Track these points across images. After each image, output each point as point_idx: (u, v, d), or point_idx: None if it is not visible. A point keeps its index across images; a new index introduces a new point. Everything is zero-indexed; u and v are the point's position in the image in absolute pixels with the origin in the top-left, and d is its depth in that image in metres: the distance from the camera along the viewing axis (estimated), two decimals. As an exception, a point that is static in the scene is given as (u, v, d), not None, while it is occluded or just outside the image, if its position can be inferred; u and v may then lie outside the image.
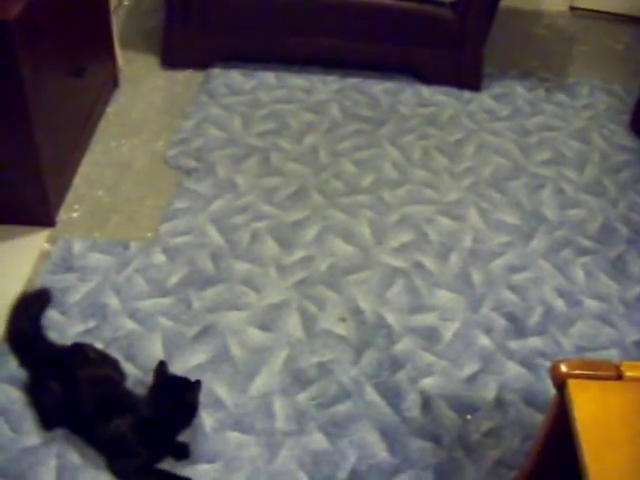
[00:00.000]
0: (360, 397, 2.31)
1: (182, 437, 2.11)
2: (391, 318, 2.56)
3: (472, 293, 2.68)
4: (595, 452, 1.50)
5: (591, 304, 2.69)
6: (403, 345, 2.48)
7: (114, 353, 2.35)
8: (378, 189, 3.07)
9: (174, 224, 2.81)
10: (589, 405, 1.59)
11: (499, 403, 2.34)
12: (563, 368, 1.64)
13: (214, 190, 2.97)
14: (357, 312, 2.57)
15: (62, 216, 2.81)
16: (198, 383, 2.08)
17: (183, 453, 2.13)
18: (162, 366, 2.10)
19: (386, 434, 2.23)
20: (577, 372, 1.64)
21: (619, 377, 1.64)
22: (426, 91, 3.66)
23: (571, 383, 1.62)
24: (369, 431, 2.23)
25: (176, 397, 2.04)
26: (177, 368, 2.32)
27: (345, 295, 2.62)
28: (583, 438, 1.52)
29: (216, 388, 2.29)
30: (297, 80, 3.63)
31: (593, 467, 1.47)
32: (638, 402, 1.61)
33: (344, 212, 2.94)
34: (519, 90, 3.74)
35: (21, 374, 2.23)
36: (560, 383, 1.64)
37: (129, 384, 2.24)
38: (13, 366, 2.27)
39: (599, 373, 1.65)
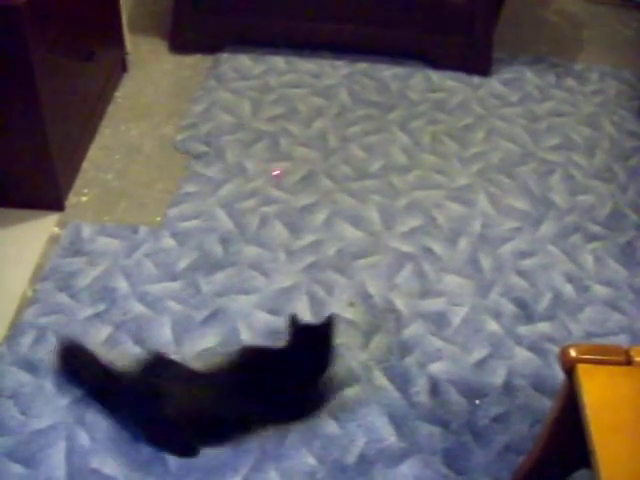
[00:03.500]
0: (369, 382, 2.32)
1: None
2: (400, 303, 2.56)
3: (481, 278, 2.68)
4: (604, 437, 1.50)
5: (600, 290, 2.69)
6: (412, 330, 2.48)
7: (123, 336, 2.36)
8: (387, 174, 3.06)
9: (183, 208, 2.82)
10: (598, 390, 1.59)
11: (508, 388, 2.35)
12: (572, 353, 1.64)
13: (223, 175, 2.97)
14: (366, 297, 2.57)
15: (71, 200, 2.81)
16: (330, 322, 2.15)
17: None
18: (294, 319, 2.17)
19: (395, 419, 2.23)
20: (586, 357, 1.64)
21: (628, 362, 1.64)
22: (435, 76, 3.64)
23: (580, 368, 1.62)
24: (378, 415, 2.23)
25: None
26: (186, 351, 2.33)
27: (354, 280, 2.62)
28: (592, 423, 1.52)
29: (225, 372, 2.30)
30: (306, 65, 3.62)
31: (602, 452, 1.47)
32: (647, 387, 1.61)
33: (353, 197, 2.94)
34: (529, 75, 3.72)
35: (31, 357, 2.25)
36: (569, 368, 1.64)
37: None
38: (22, 350, 2.29)
39: (608, 358, 1.65)
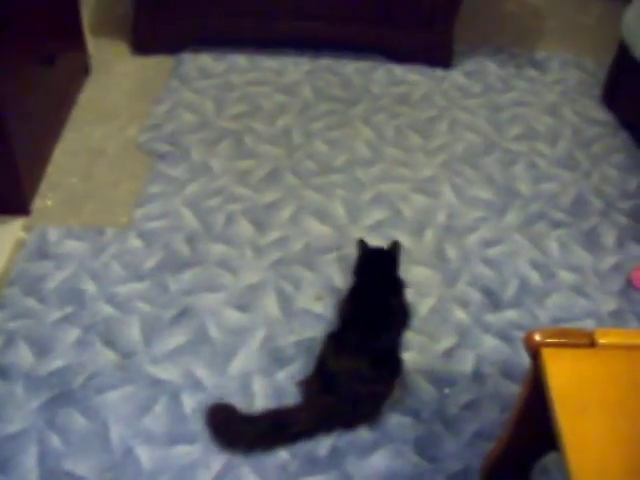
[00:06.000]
0: (339, 374, 2.33)
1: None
2: (368, 295, 2.57)
3: (447, 268, 2.70)
4: (570, 419, 1.52)
5: (566, 276, 2.71)
6: (380, 322, 2.49)
7: (92, 338, 2.36)
8: (351, 168, 3.07)
9: (149, 209, 2.81)
10: (563, 373, 1.60)
11: (477, 376, 2.37)
12: (537, 337, 1.65)
13: (188, 174, 2.97)
14: (333, 290, 2.58)
15: (37, 204, 2.80)
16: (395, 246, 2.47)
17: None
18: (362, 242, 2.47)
19: (365, 410, 2.25)
20: (551, 340, 1.65)
21: (592, 344, 1.65)
22: (398, 70, 3.66)
23: (545, 352, 1.63)
24: (348, 407, 2.25)
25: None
26: (156, 351, 2.33)
27: (321, 274, 2.63)
28: (557, 406, 1.53)
29: (195, 369, 2.30)
30: (268, 62, 3.62)
31: (568, 434, 1.49)
32: (611, 368, 1.63)
33: (318, 192, 2.94)
34: (490, 67, 3.75)
35: (0, 362, 2.25)
36: (534, 352, 1.65)
37: (108, 369, 2.26)
38: (-9, 354, 2.29)
39: (572, 341, 1.66)
